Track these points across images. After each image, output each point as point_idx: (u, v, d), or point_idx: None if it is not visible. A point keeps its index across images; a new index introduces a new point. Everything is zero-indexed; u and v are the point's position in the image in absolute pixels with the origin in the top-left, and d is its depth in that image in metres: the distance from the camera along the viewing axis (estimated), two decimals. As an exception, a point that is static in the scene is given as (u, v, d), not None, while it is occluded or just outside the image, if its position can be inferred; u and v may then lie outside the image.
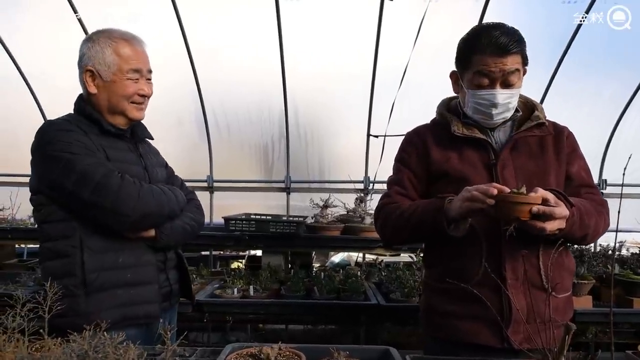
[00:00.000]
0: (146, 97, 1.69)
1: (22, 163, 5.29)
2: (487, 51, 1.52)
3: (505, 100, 1.57)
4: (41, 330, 1.05)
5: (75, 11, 4.04)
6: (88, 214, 1.54)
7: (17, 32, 4.37)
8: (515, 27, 1.57)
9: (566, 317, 1.61)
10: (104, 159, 1.56)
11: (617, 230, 1.27)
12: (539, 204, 1.35)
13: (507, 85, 1.55)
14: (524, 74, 1.61)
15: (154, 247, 1.65)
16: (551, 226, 1.39)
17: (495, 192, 1.36)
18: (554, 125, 1.69)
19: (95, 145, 1.57)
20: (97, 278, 1.52)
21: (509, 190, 1.39)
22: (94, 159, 1.53)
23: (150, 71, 1.70)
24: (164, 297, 1.69)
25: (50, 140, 1.53)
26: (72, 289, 1.50)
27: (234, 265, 5.38)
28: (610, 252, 3.19)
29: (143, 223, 1.59)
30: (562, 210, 1.39)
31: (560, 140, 1.65)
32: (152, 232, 1.62)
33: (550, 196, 1.38)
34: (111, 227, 1.55)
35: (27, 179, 5.43)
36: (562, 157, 1.63)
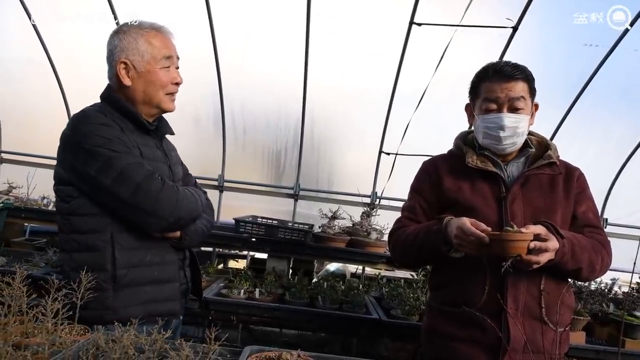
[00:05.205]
0: (179, 85, 1.67)
1: (40, 144, 5.32)
2: (494, 78, 1.66)
3: (513, 124, 1.64)
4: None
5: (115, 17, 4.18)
6: (123, 213, 1.54)
7: (50, 19, 4.46)
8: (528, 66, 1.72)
9: (562, 351, 1.69)
10: (140, 158, 1.56)
11: (632, 272, 1.35)
12: (534, 240, 1.44)
13: (513, 109, 1.65)
14: (535, 110, 1.72)
15: (176, 246, 1.69)
16: (543, 259, 1.47)
17: (487, 240, 1.43)
18: (566, 165, 1.77)
19: (132, 142, 1.56)
20: (126, 274, 1.53)
21: (489, 230, 1.46)
22: (133, 158, 1.52)
23: (178, 58, 1.68)
24: (182, 294, 1.74)
25: (88, 134, 1.50)
26: (101, 283, 1.48)
27: (232, 263, 5.45)
28: (606, 290, 3.28)
29: (176, 226, 1.62)
30: (554, 243, 1.48)
31: (571, 180, 1.73)
32: (177, 233, 1.66)
33: (541, 230, 1.46)
34: (145, 227, 1.56)
35: (43, 160, 5.39)
36: (570, 197, 1.70)
